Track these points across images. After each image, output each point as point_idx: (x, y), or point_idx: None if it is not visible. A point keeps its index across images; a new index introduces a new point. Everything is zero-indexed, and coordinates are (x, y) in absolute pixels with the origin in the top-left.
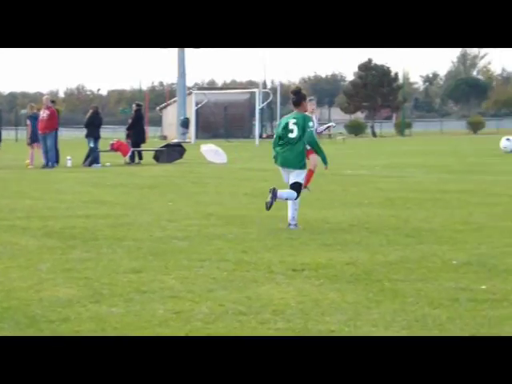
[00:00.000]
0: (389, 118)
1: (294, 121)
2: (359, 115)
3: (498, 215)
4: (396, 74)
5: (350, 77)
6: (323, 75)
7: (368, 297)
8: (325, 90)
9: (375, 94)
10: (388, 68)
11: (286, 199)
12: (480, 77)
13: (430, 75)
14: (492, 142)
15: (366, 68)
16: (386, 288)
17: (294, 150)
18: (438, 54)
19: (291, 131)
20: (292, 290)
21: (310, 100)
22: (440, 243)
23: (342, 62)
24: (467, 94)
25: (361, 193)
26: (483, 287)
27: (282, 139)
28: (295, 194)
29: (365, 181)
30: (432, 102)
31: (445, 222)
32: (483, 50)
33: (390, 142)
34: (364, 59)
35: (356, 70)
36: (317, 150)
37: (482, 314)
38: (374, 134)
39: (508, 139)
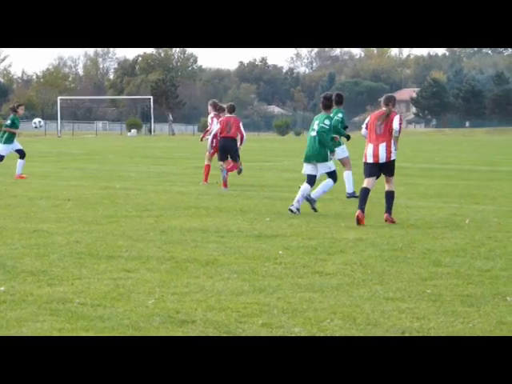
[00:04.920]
0: None
1: (317, 121)
2: None
3: (18, 216)
4: None
5: None
6: None
7: None
8: None
9: None
10: None
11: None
12: (0, 79)
13: None
14: None
15: None
16: None
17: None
18: None
19: (313, 130)
20: None
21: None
22: None
23: None
24: None
25: None
26: (2, 289)
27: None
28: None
29: None
30: None
31: None
32: (4, 53)
33: None
34: None
35: None
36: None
37: (0, 315)
38: None
39: None
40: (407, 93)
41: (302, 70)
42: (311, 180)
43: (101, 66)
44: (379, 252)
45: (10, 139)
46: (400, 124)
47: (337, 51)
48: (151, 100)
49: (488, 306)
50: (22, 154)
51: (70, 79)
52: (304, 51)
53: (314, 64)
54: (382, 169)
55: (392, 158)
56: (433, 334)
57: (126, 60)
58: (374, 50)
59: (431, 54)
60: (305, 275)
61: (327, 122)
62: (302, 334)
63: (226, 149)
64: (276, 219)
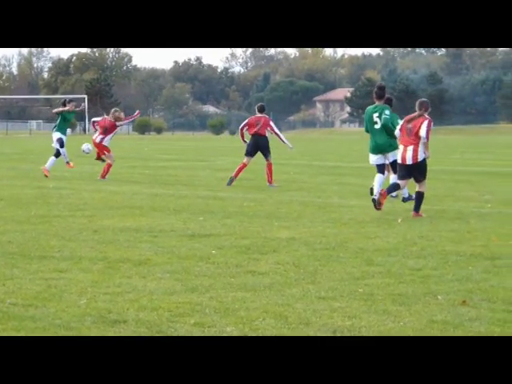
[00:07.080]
0: None
1: (377, 114)
2: None
3: None
4: None
5: None
6: None
7: None
8: None
9: None
10: None
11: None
12: None
13: None
14: None
15: None
16: None
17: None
18: None
19: (376, 123)
20: None
21: None
22: None
23: None
24: None
25: None
26: None
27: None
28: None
29: None
30: None
31: None
32: None
33: None
34: None
35: None
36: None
37: None
38: None
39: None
40: (341, 92)
41: (237, 69)
42: (381, 169)
43: (35, 66)
44: (312, 251)
45: (62, 128)
46: (428, 130)
47: (271, 51)
48: (86, 99)
49: (419, 304)
50: (58, 152)
51: (3, 78)
52: (239, 51)
53: (249, 64)
54: (411, 171)
55: (419, 160)
56: (364, 332)
57: (60, 59)
58: (309, 49)
59: (365, 53)
60: (237, 275)
61: (387, 111)
62: (234, 334)
63: (258, 145)
64: (209, 219)
